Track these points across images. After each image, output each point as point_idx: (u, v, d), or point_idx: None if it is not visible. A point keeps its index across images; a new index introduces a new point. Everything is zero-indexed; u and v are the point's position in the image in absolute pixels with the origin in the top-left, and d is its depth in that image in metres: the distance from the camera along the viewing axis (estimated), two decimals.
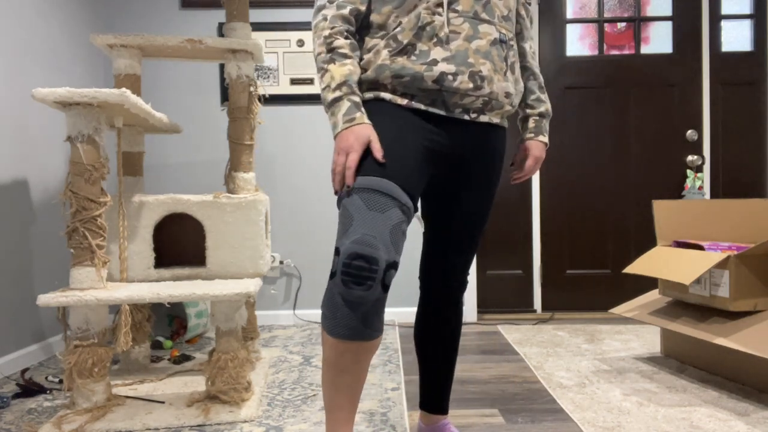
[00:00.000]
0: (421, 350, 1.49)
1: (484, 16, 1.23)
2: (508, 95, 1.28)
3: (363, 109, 1.19)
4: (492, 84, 1.23)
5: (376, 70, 1.22)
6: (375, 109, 1.24)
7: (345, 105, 1.17)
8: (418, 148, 1.22)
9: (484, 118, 1.29)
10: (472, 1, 1.21)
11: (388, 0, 1.22)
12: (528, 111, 1.43)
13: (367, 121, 1.18)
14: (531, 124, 1.42)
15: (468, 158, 1.31)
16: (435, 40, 1.20)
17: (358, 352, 1.15)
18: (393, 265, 1.13)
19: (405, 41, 1.20)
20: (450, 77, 1.19)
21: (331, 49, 1.19)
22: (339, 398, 1.18)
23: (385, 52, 1.21)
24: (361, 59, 1.26)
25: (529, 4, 1.43)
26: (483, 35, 1.22)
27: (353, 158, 1.15)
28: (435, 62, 1.19)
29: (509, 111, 1.34)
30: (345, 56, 1.19)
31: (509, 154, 3.33)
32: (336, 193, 1.20)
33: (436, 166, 1.29)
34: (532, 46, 1.43)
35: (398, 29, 1.20)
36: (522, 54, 1.41)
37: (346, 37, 1.21)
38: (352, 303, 1.10)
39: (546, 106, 1.43)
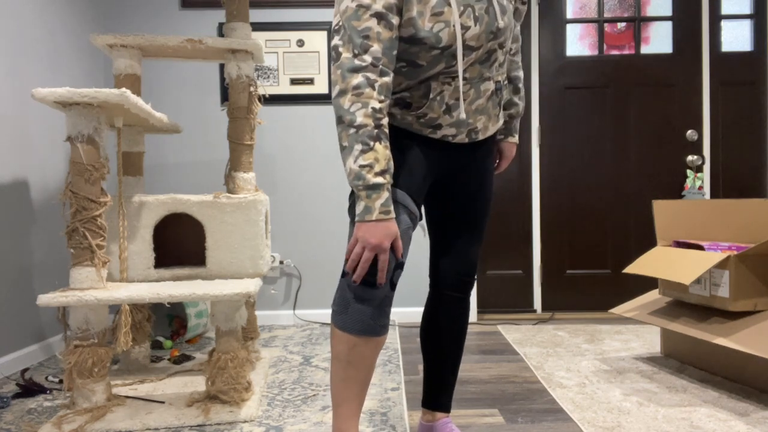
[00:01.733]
0: (427, 347, 1.51)
1: (486, 74, 1.27)
2: (498, 129, 1.42)
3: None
4: (486, 131, 1.34)
5: (391, 119, 1.29)
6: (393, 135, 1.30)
7: (384, 195, 1.13)
8: (422, 159, 1.29)
9: (477, 139, 1.36)
10: (479, 66, 1.25)
11: (403, 73, 1.24)
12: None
13: (394, 214, 1.17)
14: (501, 126, 1.48)
15: (464, 164, 1.38)
16: (444, 108, 1.25)
17: (368, 347, 1.21)
18: (400, 266, 1.21)
19: (417, 112, 1.25)
20: (450, 138, 1.30)
21: (378, 126, 1.13)
22: (347, 393, 1.23)
23: (395, 109, 1.27)
24: None
25: (524, 3, 1.43)
26: (483, 92, 1.28)
27: (385, 259, 1.15)
28: (440, 126, 1.27)
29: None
30: (387, 137, 1.16)
31: None
32: (344, 275, 1.22)
33: (436, 174, 1.36)
34: (512, 48, 1.46)
35: (406, 93, 1.25)
36: None
37: (386, 113, 1.17)
38: (363, 299, 1.18)
39: (517, 108, 1.48)
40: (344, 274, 1.20)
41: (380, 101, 1.13)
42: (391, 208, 1.15)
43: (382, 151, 1.13)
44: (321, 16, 3.22)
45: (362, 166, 1.11)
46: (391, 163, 1.16)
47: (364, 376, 1.23)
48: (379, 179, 1.12)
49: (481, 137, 1.33)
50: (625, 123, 3.39)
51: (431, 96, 1.23)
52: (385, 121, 1.14)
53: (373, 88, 1.12)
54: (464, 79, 1.24)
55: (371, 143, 1.12)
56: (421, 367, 2.34)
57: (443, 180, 1.40)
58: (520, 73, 1.49)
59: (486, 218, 1.46)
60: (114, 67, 2.16)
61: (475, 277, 1.50)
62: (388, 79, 1.14)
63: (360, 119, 1.11)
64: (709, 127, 3.37)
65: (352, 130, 1.11)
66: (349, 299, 1.19)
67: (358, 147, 1.11)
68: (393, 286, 1.20)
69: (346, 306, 1.19)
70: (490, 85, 1.29)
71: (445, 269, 1.45)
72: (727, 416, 1.74)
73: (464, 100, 1.26)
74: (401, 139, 1.28)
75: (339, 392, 1.24)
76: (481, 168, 1.41)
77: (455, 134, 1.29)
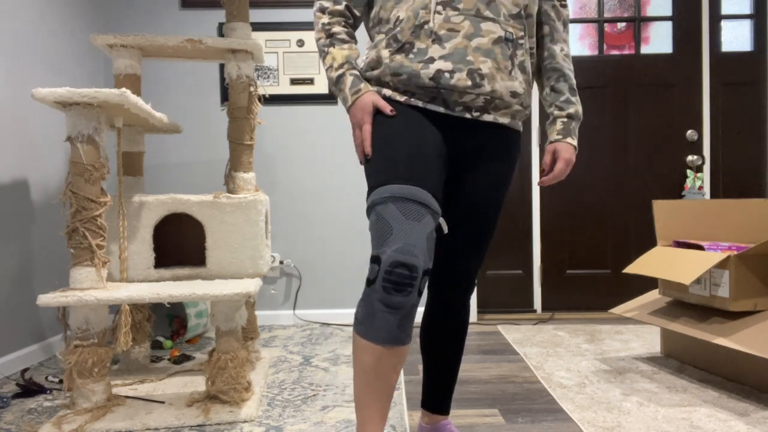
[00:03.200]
0: (426, 350, 1.49)
1: (487, 13, 1.22)
2: (515, 94, 1.27)
3: (364, 80, 1.29)
4: (494, 82, 1.22)
5: (379, 70, 1.27)
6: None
7: (349, 79, 1.26)
8: (437, 150, 1.24)
9: (488, 117, 1.27)
10: None
11: None
12: (556, 112, 1.38)
13: (371, 88, 1.27)
14: (559, 125, 1.37)
15: (474, 159, 1.31)
16: (433, 38, 1.21)
17: (394, 357, 1.17)
18: (427, 272, 1.17)
19: (404, 40, 1.23)
20: (447, 75, 1.20)
21: (330, 35, 1.29)
22: (374, 407, 1.19)
23: (385, 52, 1.25)
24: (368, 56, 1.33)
25: (564, 5, 1.40)
26: (485, 33, 1.22)
27: (366, 129, 1.25)
28: (432, 60, 1.21)
29: (520, 112, 1.32)
30: (343, 41, 1.29)
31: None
32: (362, 163, 1.28)
33: (450, 164, 1.32)
34: (564, 48, 1.39)
35: (398, 29, 1.23)
36: (551, 55, 1.38)
37: (344, 26, 1.31)
38: (392, 308, 1.14)
39: (576, 108, 1.38)
40: (369, 283, 1.16)
41: (329, 16, 1.31)
42: (361, 86, 1.25)
43: (337, 51, 1.28)
44: None
45: (327, 69, 1.29)
46: (353, 56, 1.28)
47: (390, 388, 1.19)
48: (339, 71, 1.27)
49: (487, 87, 1.22)
50: (625, 123, 3.39)
51: (417, 23, 1.21)
52: (337, 29, 1.30)
53: (324, 12, 1.31)
54: (456, 9, 1.21)
55: (326, 49, 1.29)
56: (421, 367, 2.34)
57: (453, 177, 1.34)
58: (572, 74, 1.40)
59: (493, 223, 1.39)
60: (114, 67, 2.16)
61: (475, 282, 1.46)
62: (339, 6, 1.31)
63: (317, 35, 1.31)
64: (709, 127, 3.37)
65: (318, 50, 1.32)
66: (376, 308, 1.14)
67: (321, 57, 1.31)
68: (419, 293, 1.16)
69: (372, 315, 1.15)
70: (496, 29, 1.22)
71: (444, 274, 1.40)
72: (727, 416, 1.74)
73: (457, 31, 1.21)
74: (412, 120, 1.24)
75: (364, 405, 1.19)
76: (497, 171, 1.33)
77: (452, 70, 1.20)
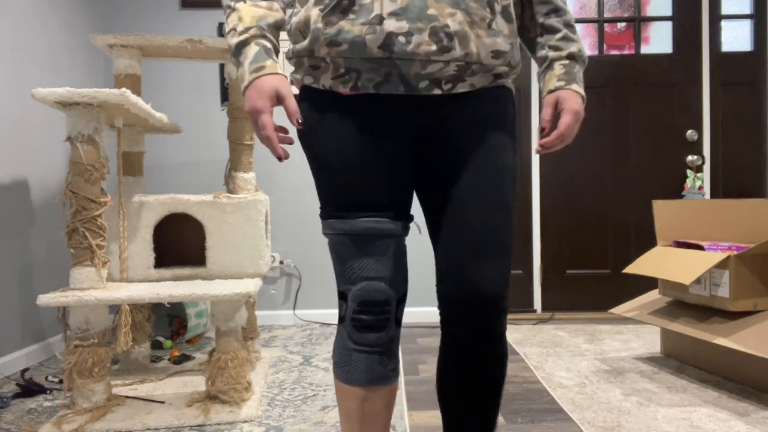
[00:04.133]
0: (445, 408, 1.09)
1: None
2: (498, 54, 0.95)
3: (276, 56, 0.97)
4: (467, 42, 0.91)
5: (309, 38, 0.94)
6: (320, 111, 0.98)
7: (252, 50, 0.93)
8: (399, 157, 1.00)
9: (462, 88, 0.96)
10: None
11: None
12: (552, 54, 1.04)
13: (279, 70, 0.94)
14: (558, 69, 1.02)
15: (458, 139, 1.00)
16: None
17: (381, 398, 1.01)
18: (403, 299, 1.02)
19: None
20: (402, 39, 0.89)
21: None
22: None
23: (315, 12, 0.93)
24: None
25: None
26: None
27: (266, 121, 0.93)
28: (380, 19, 0.89)
29: (507, 72, 1.00)
30: None
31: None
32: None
33: (419, 164, 1.04)
34: None
35: None
36: None
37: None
38: (368, 347, 0.99)
39: (578, 46, 1.03)
40: (341, 320, 1.02)
41: None
42: (266, 62, 0.93)
43: (247, 9, 0.95)
44: None
45: (228, 34, 0.97)
46: (268, 19, 0.96)
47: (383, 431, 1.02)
48: (242, 36, 0.94)
49: (459, 50, 0.91)
50: (625, 123, 3.39)
51: None
52: None
53: None
54: None
55: (232, 4, 0.97)
56: (421, 367, 2.34)
57: (432, 168, 1.02)
58: (567, 9, 1.05)
59: (507, 212, 1.01)
60: (114, 67, 2.16)
61: (506, 304, 1.02)
62: None
63: None
64: (709, 127, 3.37)
65: (223, 6, 1.00)
66: (350, 348, 0.99)
67: (225, 18, 0.98)
68: (398, 322, 1.02)
69: (348, 356, 1.00)
70: None
71: (457, 293, 0.99)
72: (727, 416, 1.74)
73: None
74: (358, 129, 0.96)
75: None
76: (484, 138, 0.99)
77: (408, 32, 0.88)
